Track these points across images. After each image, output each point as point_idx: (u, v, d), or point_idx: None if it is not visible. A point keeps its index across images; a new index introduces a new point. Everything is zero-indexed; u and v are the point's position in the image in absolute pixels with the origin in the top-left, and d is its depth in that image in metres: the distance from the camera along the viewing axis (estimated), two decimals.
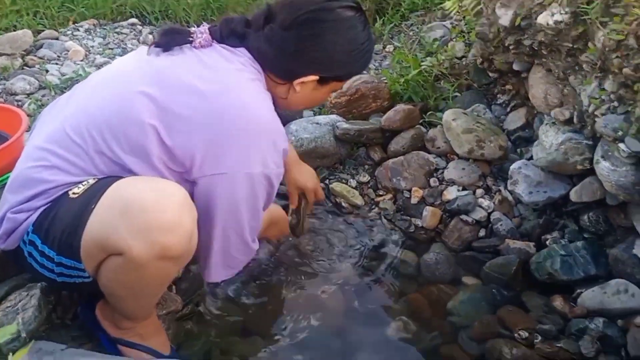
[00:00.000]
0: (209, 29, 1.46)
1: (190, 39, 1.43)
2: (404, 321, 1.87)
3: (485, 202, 2.09)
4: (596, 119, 1.78)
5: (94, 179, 1.34)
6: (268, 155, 1.35)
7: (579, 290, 1.83)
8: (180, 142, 1.32)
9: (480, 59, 2.34)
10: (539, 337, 1.73)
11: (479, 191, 2.14)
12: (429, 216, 2.11)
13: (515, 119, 2.31)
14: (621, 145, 1.69)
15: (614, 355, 1.68)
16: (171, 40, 1.43)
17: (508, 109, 2.36)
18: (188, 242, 1.25)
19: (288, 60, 1.45)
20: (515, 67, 2.17)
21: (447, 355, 1.80)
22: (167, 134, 1.31)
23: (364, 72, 1.61)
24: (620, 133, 1.68)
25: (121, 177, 1.32)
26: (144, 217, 1.20)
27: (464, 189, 2.15)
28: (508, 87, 2.37)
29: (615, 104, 1.74)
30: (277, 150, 1.38)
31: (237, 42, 1.45)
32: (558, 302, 1.83)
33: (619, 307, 1.74)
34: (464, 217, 2.07)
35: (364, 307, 1.92)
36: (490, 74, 2.40)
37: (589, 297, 1.78)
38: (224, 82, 1.36)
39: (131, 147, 1.33)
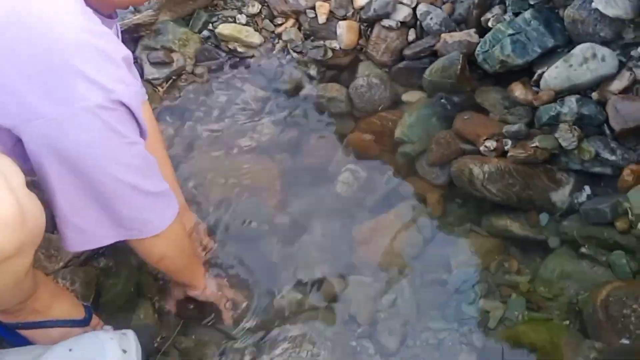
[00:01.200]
0: None
1: None
2: (351, 170, 1.57)
3: None
4: None
5: None
6: (104, 75, 0.92)
7: (539, 71, 1.53)
8: None
9: None
10: (509, 142, 1.46)
11: None
12: (345, 33, 1.71)
13: None
14: None
15: (598, 135, 1.44)
16: None
17: None
18: (18, 228, 0.85)
19: None
20: None
21: (410, 194, 1.54)
22: None
23: None
24: None
25: None
26: None
27: None
28: None
29: None
30: (114, 63, 0.95)
31: None
32: (518, 91, 1.54)
33: (590, 77, 1.46)
34: (385, 22, 1.68)
35: (300, 167, 1.61)
36: None
37: (554, 75, 1.49)
38: None
39: None
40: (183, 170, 1.59)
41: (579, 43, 1.50)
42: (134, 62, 1.64)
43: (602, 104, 1.45)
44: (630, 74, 1.45)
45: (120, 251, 1.46)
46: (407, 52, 1.68)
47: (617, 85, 1.45)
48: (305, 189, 1.56)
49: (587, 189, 1.44)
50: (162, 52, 1.68)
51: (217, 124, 1.67)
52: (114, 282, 1.41)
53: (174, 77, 1.71)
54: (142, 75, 1.68)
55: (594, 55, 1.46)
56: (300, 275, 1.44)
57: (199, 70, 1.74)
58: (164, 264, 1.21)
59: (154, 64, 1.68)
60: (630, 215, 1.33)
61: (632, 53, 1.47)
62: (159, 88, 1.69)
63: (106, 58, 0.93)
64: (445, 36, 1.63)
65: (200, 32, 1.78)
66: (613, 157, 1.40)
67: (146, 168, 1.04)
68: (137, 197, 1.03)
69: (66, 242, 1.06)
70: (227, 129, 1.66)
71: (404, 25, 1.68)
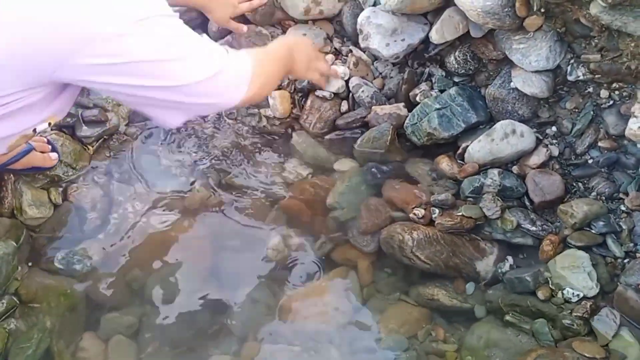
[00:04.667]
0: None
1: None
2: (283, 235, 1.56)
3: (339, 69, 1.74)
4: None
5: None
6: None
7: (464, 145, 1.60)
8: None
9: None
10: (437, 211, 1.50)
11: (329, 57, 1.79)
12: (279, 102, 1.74)
13: None
14: None
15: (519, 207, 1.50)
16: None
17: None
18: None
19: None
20: None
21: (341, 260, 1.54)
22: None
23: None
24: None
25: None
26: None
27: None
28: None
29: None
30: None
31: None
32: (444, 164, 1.60)
33: (511, 151, 1.54)
34: (319, 93, 1.73)
35: (232, 233, 1.58)
36: None
37: (477, 149, 1.56)
38: None
39: None
40: (111, 230, 1.55)
41: (499, 120, 1.59)
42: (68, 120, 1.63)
43: (521, 177, 1.53)
44: (547, 151, 1.54)
45: (31, 312, 1.39)
46: (339, 122, 1.72)
47: (534, 160, 1.54)
48: (234, 252, 1.53)
49: (510, 259, 1.48)
50: (97, 111, 1.65)
51: (147, 185, 1.64)
52: (24, 347, 1.32)
53: (105, 137, 1.68)
54: (73, 133, 1.65)
55: (514, 131, 1.55)
56: (225, 342, 1.39)
57: (131, 130, 1.72)
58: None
59: (87, 122, 1.65)
60: (550, 284, 1.37)
61: (547, 131, 1.58)
62: (89, 147, 1.66)
63: None
64: (376, 108, 1.69)
65: None
66: (533, 228, 1.46)
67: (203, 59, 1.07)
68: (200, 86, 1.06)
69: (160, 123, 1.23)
70: (157, 191, 1.63)
71: (337, 96, 1.74)
